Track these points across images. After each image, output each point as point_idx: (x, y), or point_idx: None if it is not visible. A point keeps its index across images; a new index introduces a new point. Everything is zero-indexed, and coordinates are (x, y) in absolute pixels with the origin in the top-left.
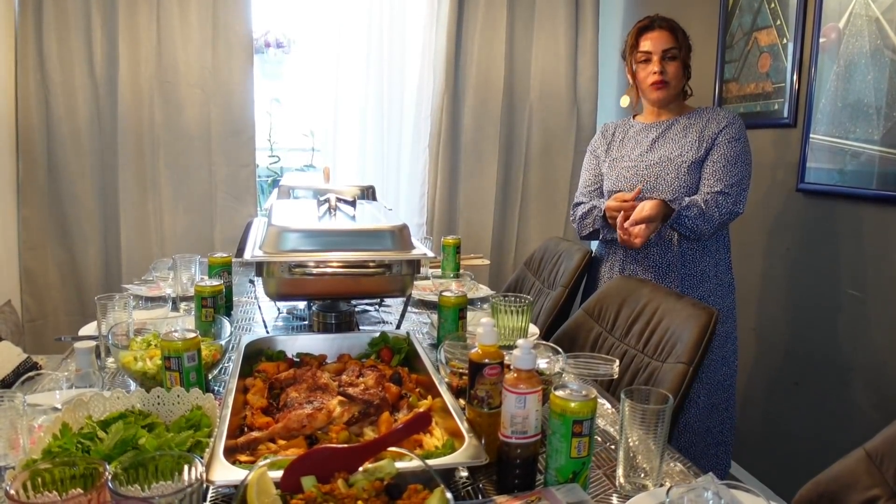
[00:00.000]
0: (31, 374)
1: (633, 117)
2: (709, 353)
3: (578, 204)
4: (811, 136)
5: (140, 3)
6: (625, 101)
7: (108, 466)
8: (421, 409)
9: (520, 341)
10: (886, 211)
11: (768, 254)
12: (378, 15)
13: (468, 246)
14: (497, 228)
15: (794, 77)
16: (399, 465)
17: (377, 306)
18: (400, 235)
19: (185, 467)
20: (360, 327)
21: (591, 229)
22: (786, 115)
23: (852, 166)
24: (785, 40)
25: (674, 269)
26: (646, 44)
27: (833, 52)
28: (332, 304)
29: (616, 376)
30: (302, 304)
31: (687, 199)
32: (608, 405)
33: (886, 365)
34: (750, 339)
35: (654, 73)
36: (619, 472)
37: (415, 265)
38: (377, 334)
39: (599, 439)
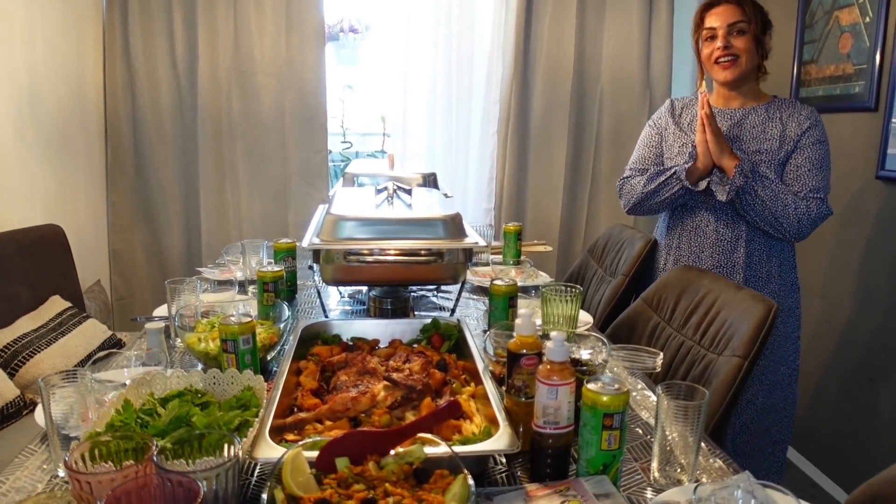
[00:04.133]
0: (112, 350)
1: None
2: (768, 352)
3: (627, 178)
4: (893, 120)
5: None
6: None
7: (155, 442)
8: (459, 397)
9: (553, 333)
10: None
11: (844, 244)
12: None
13: (536, 231)
14: (566, 214)
15: (877, 58)
16: (428, 450)
17: (435, 292)
18: (452, 224)
19: (226, 445)
20: (416, 313)
21: (666, 195)
22: (867, 98)
23: None
24: (868, 19)
25: (738, 269)
26: (711, 19)
27: None
28: (388, 290)
29: (658, 370)
30: (364, 289)
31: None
32: (654, 397)
33: None
34: (824, 332)
35: (719, 48)
36: (654, 465)
37: (468, 253)
38: (429, 320)
39: (640, 431)
